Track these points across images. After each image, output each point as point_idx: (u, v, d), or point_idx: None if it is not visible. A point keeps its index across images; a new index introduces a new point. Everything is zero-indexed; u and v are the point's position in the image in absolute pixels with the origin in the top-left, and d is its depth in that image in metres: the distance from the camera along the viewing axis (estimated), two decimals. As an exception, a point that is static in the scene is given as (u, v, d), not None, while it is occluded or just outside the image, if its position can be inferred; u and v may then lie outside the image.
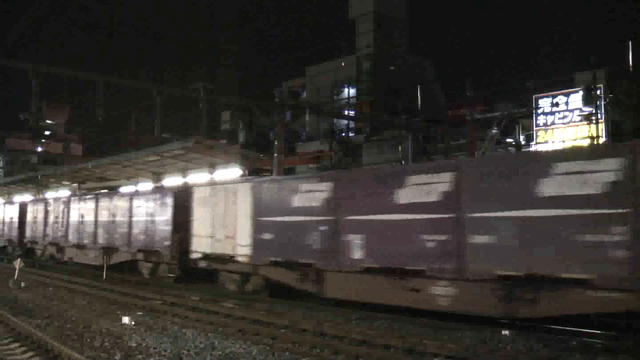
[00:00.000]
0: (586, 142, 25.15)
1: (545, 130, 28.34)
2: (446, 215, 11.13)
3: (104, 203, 22.96)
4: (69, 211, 25.60)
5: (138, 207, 20.65)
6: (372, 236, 12.36)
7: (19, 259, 19.17)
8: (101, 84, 18.87)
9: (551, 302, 9.77)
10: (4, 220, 33.73)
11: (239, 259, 15.61)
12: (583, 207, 9.35)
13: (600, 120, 25.42)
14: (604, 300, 9.24)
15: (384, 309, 12.95)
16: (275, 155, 22.24)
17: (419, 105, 34.25)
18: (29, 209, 30.47)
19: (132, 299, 14.98)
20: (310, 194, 13.90)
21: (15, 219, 31.50)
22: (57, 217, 26.78)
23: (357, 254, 12.53)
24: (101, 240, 22.63)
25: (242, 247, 15.55)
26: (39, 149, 52.19)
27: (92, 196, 24.38)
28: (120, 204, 21.79)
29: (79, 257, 24.55)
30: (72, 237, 25.04)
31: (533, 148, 27.84)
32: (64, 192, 32.28)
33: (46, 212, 28.10)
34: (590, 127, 25.48)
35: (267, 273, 15.03)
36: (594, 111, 25.16)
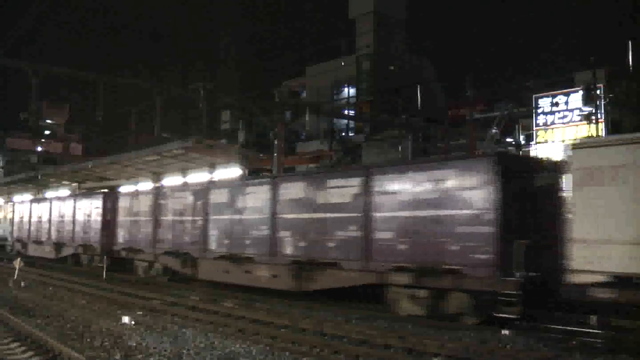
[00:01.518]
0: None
1: (545, 130, 28.36)
2: None
3: (295, 190, 14.91)
4: (208, 204, 17.63)
5: (386, 192, 12.64)
6: None
7: (19, 259, 19.17)
8: (101, 84, 18.89)
9: None
10: (74, 218, 25.04)
11: None
12: None
13: (600, 120, 25.44)
14: None
15: (384, 308, 12.94)
16: (275, 155, 22.26)
17: (419, 105, 34.26)
18: (123, 203, 22.16)
19: (132, 298, 14.98)
20: None
21: (97, 217, 23.32)
22: (182, 214, 18.72)
23: None
24: (289, 249, 14.75)
25: None
26: (39, 149, 52.16)
27: (265, 180, 16.81)
28: (340, 190, 13.68)
29: (235, 275, 16.28)
30: (217, 244, 17.14)
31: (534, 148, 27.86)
32: (63, 191, 32.14)
33: (157, 206, 19.93)
34: (590, 126, 25.49)
35: None
36: (593, 111, 25.18)
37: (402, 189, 12.43)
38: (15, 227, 31.72)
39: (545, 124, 28.37)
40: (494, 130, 27.62)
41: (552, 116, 28.12)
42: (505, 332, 10.34)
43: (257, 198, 15.94)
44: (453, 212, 11.44)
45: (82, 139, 57.79)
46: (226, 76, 55.98)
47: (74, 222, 25.01)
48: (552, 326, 10.67)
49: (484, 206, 10.95)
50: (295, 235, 14.64)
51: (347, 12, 42.48)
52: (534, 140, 28.61)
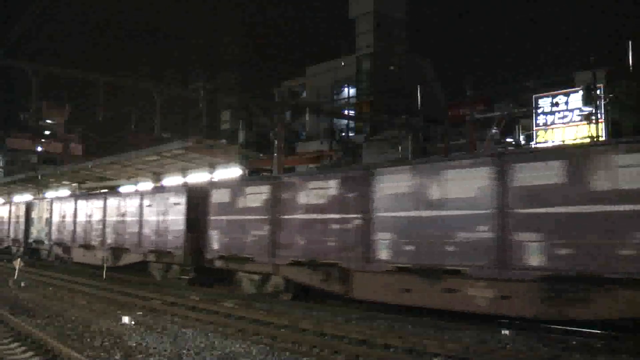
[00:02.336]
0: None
1: (545, 130, 28.35)
2: None
3: (543, 172, 10.16)
4: (371, 197, 12.55)
5: None
6: None
7: (19, 259, 19.17)
8: (101, 84, 18.90)
9: None
10: (141, 218, 20.21)
11: None
12: None
13: (600, 120, 25.44)
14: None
15: (383, 308, 12.95)
16: (275, 155, 22.29)
17: (419, 105, 34.30)
18: (219, 197, 16.81)
19: (132, 298, 14.97)
20: None
21: (178, 216, 18.32)
22: (323, 210, 13.56)
23: None
24: (536, 259, 10.07)
25: None
26: (39, 149, 52.25)
27: (484, 159, 11.18)
28: None
29: (423, 295, 11.55)
30: (390, 252, 12.06)
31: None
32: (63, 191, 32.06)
33: (277, 201, 14.83)
34: (590, 126, 25.50)
35: None
36: (593, 111, 25.18)
37: None
38: (53, 228, 26.93)
39: (545, 124, 28.37)
40: (494, 130, 27.61)
41: (552, 116, 28.12)
42: (505, 332, 10.34)
43: (467, 186, 11.06)
44: None
45: (82, 139, 57.89)
46: (226, 76, 56.04)
47: (141, 222, 20.15)
48: (552, 326, 10.68)
49: None
50: (549, 238, 9.93)
51: (347, 12, 42.56)
52: (534, 140, 28.61)
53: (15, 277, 18.18)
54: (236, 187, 16.52)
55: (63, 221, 26.19)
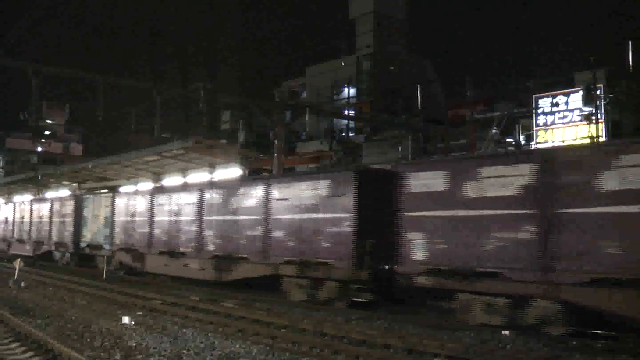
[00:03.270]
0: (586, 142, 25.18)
1: (545, 130, 28.33)
2: None
3: None
4: None
5: None
6: None
7: (19, 259, 19.17)
8: (101, 84, 18.88)
9: None
10: (267, 215, 15.64)
11: None
12: None
13: (600, 120, 25.44)
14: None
15: (383, 309, 12.95)
16: (275, 155, 22.28)
17: (419, 105, 34.29)
18: (421, 184, 12.06)
19: (132, 299, 14.98)
20: None
21: (340, 213, 13.59)
22: None
23: None
24: None
25: None
26: (39, 149, 52.27)
27: None
28: None
29: None
30: None
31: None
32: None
33: (548, 190, 10.14)
34: (590, 127, 25.49)
35: None
36: (594, 111, 25.19)
37: None
38: (117, 230, 22.14)
39: (545, 124, 28.35)
40: (494, 130, 27.60)
41: (552, 116, 28.10)
42: (505, 332, 10.35)
43: None
44: None
45: (82, 139, 58.00)
46: (226, 76, 56.04)
47: (267, 221, 15.50)
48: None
49: None
50: None
51: (347, 12, 42.56)
52: (534, 140, 28.62)
53: (16, 277, 18.17)
54: (458, 169, 11.54)
55: (132, 221, 21.25)
